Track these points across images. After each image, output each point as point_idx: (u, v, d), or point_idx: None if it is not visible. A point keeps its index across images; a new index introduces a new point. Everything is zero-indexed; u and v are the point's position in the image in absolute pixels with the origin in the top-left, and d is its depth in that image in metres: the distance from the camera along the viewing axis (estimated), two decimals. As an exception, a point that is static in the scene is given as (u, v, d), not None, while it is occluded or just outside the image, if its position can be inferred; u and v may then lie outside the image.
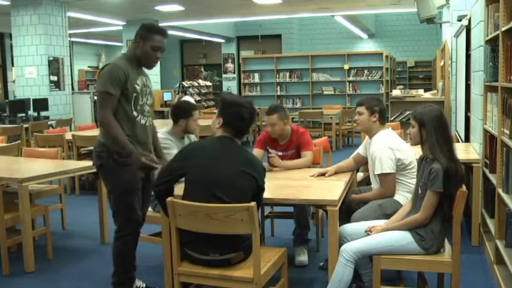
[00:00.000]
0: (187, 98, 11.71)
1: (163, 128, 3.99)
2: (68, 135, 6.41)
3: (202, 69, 17.73)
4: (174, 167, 2.64)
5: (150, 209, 3.47)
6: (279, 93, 13.64)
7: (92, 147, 4.97)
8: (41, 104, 9.23)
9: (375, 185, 3.38)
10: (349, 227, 2.94)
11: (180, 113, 3.81)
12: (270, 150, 3.91)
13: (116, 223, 3.05)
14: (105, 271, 3.32)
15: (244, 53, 16.75)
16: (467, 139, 5.20)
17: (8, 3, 9.37)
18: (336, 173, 3.47)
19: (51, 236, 4.04)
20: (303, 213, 3.74)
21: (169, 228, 2.59)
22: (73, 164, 4.42)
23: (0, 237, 3.67)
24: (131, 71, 2.97)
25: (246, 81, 14.00)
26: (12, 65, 11.40)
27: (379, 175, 3.22)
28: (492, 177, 3.59)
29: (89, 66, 19.29)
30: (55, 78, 9.63)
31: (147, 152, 3.10)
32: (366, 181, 3.93)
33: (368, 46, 17.69)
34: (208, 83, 15.54)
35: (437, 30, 13.62)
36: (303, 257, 3.73)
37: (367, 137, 3.53)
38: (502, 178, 3.31)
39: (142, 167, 2.97)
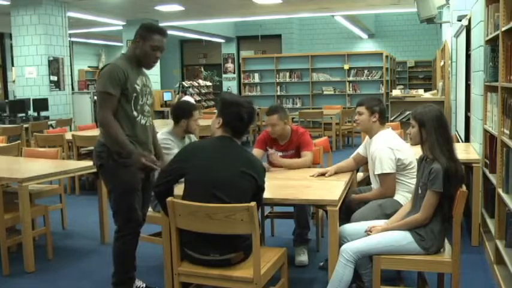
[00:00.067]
0: (187, 98, 11.71)
1: (163, 128, 3.99)
2: (68, 135, 6.41)
3: (202, 69, 17.74)
4: (174, 168, 2.64)
5: (150, 209, 3.47)
6: (279, 93, 13.64)
7: (92, 147, 4.97)
8: (41, 104, 9.23)
9: (375, 185, 3.38)
10: (349, 227, 2.94)
11: (181, 113, 3.81)
12: (269, 151, 3.90)
13: (116, 223, 3.05)
14: (105, 271, 3.32)
15: (244, 53, 16.76)
16: (467, 139, 5.20)
17: (8, 3, 9.37)
18: (336, 173, 3.47)
19: (51, 236, 4.04)
20: (303, 213, 3.74)
21: (169, 228, 2.59)
22: (73, 164, 4.42)
23: (0, 237, 3.67)
24: (131, 71, 2.97)
25: (246, 81, 14.00)
26: (12, 65, 11.40)
27: (379, 175, 3.22)
28: (492, 177, 3.59)
29: (89, 66, 19.29)
30: (55, 78, 9.63)
31: (147, 152, 3.10)
32: (366, 181, 3.93)
33: (368, 46, 17.69)
34: (208, 83, 15.54)
35: (437, 30, 13.62)
36: (303, 257, 3.73)
37: (367, 137, 3.53)
38: (502, 178, 3.31)
39: (142, 167, 2.97)
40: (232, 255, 2.53)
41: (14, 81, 12.68)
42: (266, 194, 2.74)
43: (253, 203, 2.36)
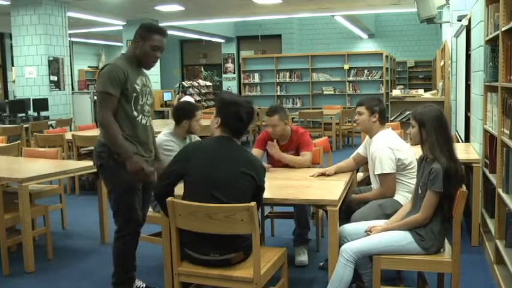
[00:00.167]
0: (187, 98, 11.70)
1: (164, 128, 3.98)
2: (68, 135, 6.41)
3: (202, 69, 17.71)
4: (174, 169, 2.64)
5: (150, 209, 3.47)
6: (279, 93, 13.64)
7: (92, 147, 4.98)
8: (41, 104, 9.23)
9: (375, 185, 3.38)
10: (349, 227, 2.94)
11: (183, 114, 3.77)
12: (269, 142, 3.86)
13: (116, 223, 3.05)
14: (105, 271, 3.31)
15: (244, 53, 16.76)
16: (467, 139, 5.20)
17: (8, 3, 9.37)
18: (336, 173, 3.47)
19: (51, 236, 4.04)
20: (303, 213, 3.74)
21: (169, 228, 2.59)
22: (73, 164, 4.41)
23: (0, 237, 3.67)
24: (131, 71, 2.97)
25: (246, 81, 14.00)
26: (12, 65, 11.40)
27: (379, 175, 3.22)
28: (492, 177, 3.59)
29: (89, 66, 19.28)
30: (55, 78, 9.63)
31: (148, 152, 3.11)
32: (366, 181, 3.93)
33: (368, 46, 17.69)
34: (208, 83, 15.51)
35: (437, 30, 13.62)
36: (303, 257, 3.73)
37: (367, 137, 3.53)
38: (502, 178, 3.31)
39: (137, 175, 2.91)
40: (232, 255, 2.53)
41: (14, 81, 12.68)
42: (266, 194, 2.74)
43: (253, 203, 2.36)
